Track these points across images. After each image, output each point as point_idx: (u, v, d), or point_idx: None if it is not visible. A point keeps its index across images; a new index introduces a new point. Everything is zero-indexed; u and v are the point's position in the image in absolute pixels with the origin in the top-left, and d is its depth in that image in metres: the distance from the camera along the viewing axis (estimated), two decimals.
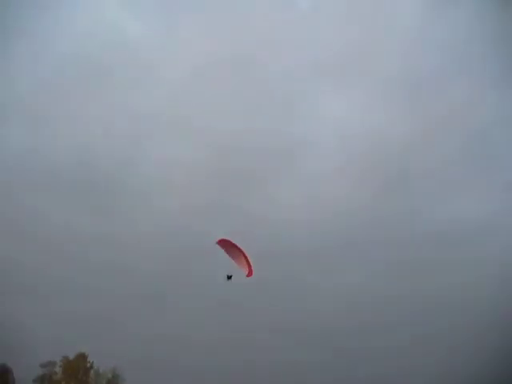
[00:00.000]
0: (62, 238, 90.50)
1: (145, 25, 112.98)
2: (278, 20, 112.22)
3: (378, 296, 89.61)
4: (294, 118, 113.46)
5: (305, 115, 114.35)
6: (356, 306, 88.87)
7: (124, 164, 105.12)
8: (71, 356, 74.81)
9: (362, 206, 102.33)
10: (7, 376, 69.02)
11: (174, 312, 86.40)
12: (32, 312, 77.66)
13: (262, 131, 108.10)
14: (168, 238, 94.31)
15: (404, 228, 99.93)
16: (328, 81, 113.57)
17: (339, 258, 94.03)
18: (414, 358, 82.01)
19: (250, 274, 47.52)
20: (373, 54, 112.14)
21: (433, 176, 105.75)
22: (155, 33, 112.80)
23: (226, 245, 47.57)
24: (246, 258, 47.08)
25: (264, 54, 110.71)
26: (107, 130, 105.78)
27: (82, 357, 75.30)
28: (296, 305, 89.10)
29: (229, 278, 48.45)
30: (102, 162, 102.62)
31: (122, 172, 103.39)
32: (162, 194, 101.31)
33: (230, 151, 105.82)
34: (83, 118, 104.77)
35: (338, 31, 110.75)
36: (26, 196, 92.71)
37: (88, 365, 75.43)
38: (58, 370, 73.90)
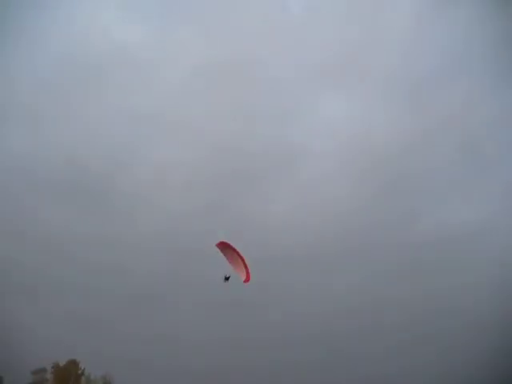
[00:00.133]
0: (61, 239, 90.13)
1: (143, 27, 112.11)
2: (276, 22, 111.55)
3: (377, 298, 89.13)
4: (293, 119, 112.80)
5: (304, 117, 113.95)
6: (355, 307, 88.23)
7: (122, 165, 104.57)
8: (62, 362, 73.57)
9: (361, 207, 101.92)
10: None
11: (172, 313, 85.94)
12: (27, 313, 77.45)
13: (261, 133, 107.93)
14: (166, 239, 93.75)
15: (403, 229, 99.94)
16: (327, 82, 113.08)
17: (339, 259, 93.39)
18: (413, 358, 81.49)
19: (247, 280, 46.64)
20: (372, 55, 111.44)
21: (432, 177, 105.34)
22: (153, 35, 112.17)
23: (226, 248, 46.72)
24: (244, 263, 46.31)
25: (263, 56, 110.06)
26: (105, 131, 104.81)
27: (73, 363, 74.10)
28: (295, 306, 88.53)
29: (226, 279, 47.84)
30: (100, 163, 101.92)
31: (120, 173, 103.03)
32: (160, 195, 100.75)
33: (228, 153, 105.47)
34: (81, 119, 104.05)
35: (337, 33, 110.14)
36: (25, 197, 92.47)
37: (79, 371, 74.13)
38: (48, 376, 72.78)
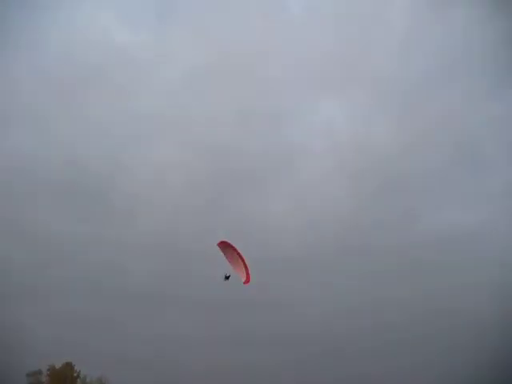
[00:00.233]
0: (61, 239, 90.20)
1: (143, 28, 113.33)
2: (275, 23, 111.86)
3: (376, 298, 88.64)
4: (292, 120, 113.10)
5: (303, 117, 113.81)
6: (354, 307, 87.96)
7: (122, 165, 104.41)
8: (58, 365, 73.07)
9: (361, 207, 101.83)
10: None
11: (171, 312, 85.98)
12: (25, 313, 77.48)
13: (260, 134, 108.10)
14: (166, 239, 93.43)
15: (403, 229, 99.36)
16: (326, 83, 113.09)
17: (338, 259, 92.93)
18: (413, 358, 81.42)
19: (247, 281, 46.08)
20: (370, 56, 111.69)
21: (432, 178, 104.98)
22: (153, 36, 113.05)
23: (227, 247, 46.20)
24: (244, 264, 45.81)
25: (262, 57, 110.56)
26: (104, 131, 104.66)
27: (69, 366, 73.53)
28: (294, 306, 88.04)
29: (226, 278, 47.35)
30: (100, 163, 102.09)
31: (120, 173, 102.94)
32: (160, 195, 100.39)
33: (227, 154, 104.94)
34: (81, 120, 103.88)
35: (336, 34, 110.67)
36: (25, 197, 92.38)
37: (75, 374, 73.67)
38: (44, 379, 72.14)
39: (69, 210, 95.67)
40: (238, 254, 45.76)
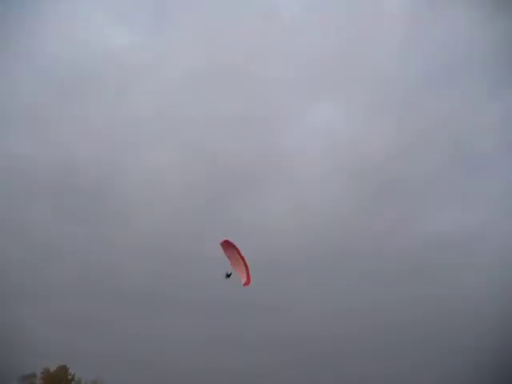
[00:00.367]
0: (58, 240, 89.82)
1: (138, 32, 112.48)
2: (266, 30, 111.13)
3: (374, 300, 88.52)
4: (287, 124, 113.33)
5: (298, 122, 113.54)
6: (350, 310, 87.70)
7: (120, 168, 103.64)
8: (52, 368, 71.91)
9: (358, 211, 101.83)
10: None
11: (169, 314, 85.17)
12: (23, 314, 77.13)
13: (256, 138, 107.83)
14: (163, 241, 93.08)
15: (397, 233, 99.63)
16: (316, 90, 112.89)
17: (334, 262, 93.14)
18: (411, 360, 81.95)
19: (247, 283, 45.43)
20: (366, 60, 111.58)
21: (430, 181, 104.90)
22: (149, 39, 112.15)
23: (229, 247, 45.50)
24: (245, 265, 45.20)
25: (258, 63, 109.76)
26: (100, 134, 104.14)
27: (63, 369, 72.41)
28: (291, 308, 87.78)
29: (228, 276, 46.42)
30: (97, 166, 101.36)
31: (118, 176, 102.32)
32: (158, 198, 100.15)
33: (223, 157, 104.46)
34: (77, 123, 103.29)
35: (326, 42, 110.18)
36: (25, 198, 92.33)
37: (69, 377, 72.49)
38: (38, 382, 70.94)
39: (68, 211, 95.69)
40: (240, 254, 45.38)
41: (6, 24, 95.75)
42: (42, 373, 71.57)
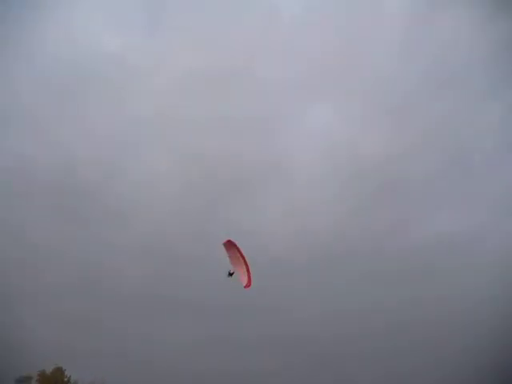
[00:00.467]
0: (56, 241, 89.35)
1: (133, 35, 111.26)
2: (262, 33, 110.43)
3: (368, 303, 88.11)
4: (281, 128, 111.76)
5: (292, 125, 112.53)
6: (344, 312, 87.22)
7: (116, 170, 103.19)
8: (49, 370, 70.82)
9: (352, 214, 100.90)
10: None
11: (167, 315, 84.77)
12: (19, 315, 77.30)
13: (250, 141, 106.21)
14: (158, 244, 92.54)
15: (391, 237, 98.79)
16: (316, 91, 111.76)
17: (329, 265, 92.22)
18: (408, 363, 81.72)
19: (248, 285, 45.26)
20: (360, 65, 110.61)
21: (423, 185, 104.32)
22: (144, 43, 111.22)
23: (232, 248, 45.36)
24: (247, 267, 44.96)
25: (251, 67, 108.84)
26: (98, 135, 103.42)
27: (59, 371, 71.50)
28: (285, 310, 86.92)
29: (230, 274, 46.25)
30: (94, 168, 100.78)
31: (115, 178, 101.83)
32: (153, 200, 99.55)
33: (217, 160, 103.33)
34: (75, 124, 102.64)
35: (323, 44, 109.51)
36: (25, 200, 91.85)
37: (65, 379, 71.57)
38: None
39: (67, 212, 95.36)
40: (242, 255, 45.24)
41: (6, 25, 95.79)
42: (38, 375, 70.58)
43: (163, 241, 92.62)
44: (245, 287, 45.43)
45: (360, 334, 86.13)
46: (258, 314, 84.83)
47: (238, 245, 45.07)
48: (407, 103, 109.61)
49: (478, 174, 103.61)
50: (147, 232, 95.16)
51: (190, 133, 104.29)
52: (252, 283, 45.35)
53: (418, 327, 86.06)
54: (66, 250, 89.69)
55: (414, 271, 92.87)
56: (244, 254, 45.12)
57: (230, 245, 45.23)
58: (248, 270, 45.17)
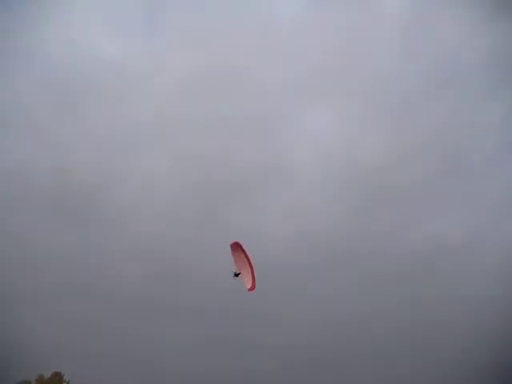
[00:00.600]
0: (57, 244, 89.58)
1: (131, 40, 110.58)
2: (263, 36, 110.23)
3: (364, 307, 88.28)
4: (279, 132, 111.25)
5: (289, 130, 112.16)
6: (340, 318, 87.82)
7: (113, 174, 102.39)
8: (47, 375, 70.69)
9: (347, 220, 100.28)
10: None
11: (166, 318, 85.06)
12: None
13: (247, 146, 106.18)
14: (157, 247, 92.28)
15: (391, 239, 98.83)
16: (313, 94, 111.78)
17: (326, 268, 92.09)
18: (403, 369, 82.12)
19: (252, 288, 45.30)
20: (359, 68, 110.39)
21: (420, 189, 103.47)
22: (142, 48, 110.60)
23: (238, 250, 45.21)
24: (252, 270, 44.86)
25: (250, 69, 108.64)
26: (95, 141, 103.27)
27: (58, 375, 71.31)
28: (283, 315, 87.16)
29: (236, 275, 45.97)
30: (90, 173, 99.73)
31: (112, 183, 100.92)
32: (152, 204, 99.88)
33: (214, 164, 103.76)
34: (60, 140, 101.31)
35: (323, 47, 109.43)
36: (23, 203, 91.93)
37: (64, 383, 71.31)
38: None
39: (67, 215, 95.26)
40: (247, 258, 45.00)
41: (4, 30, 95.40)
42: (36, 380, 70.30)
43: (163, 244, 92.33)
44: (249, 290, 45.24)
45: (361, 337, 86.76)
46: (258, 316, 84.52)
47: (245, 247, 44.62)
48: (407, 104, 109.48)
49: (478, 175, 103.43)
50: (146, 233, 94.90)
51: (189, 134, 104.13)
52: (256, 287, 44.90)
53: (418, 328, 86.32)
54: (66, 251, 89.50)
55: (415, 272, 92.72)
56: (250, 257, 44.88)
57: (236, 247, 44.93)
58: (253, 273, 44.92)
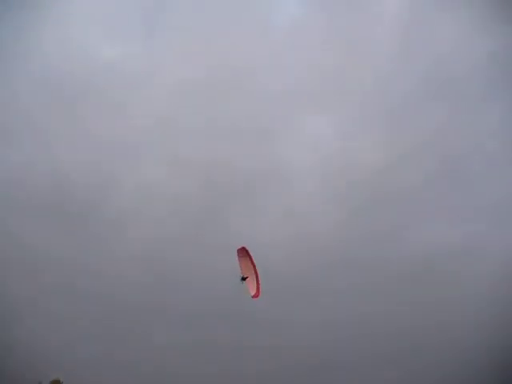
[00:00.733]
0: (56, 247, 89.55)
1: (129, 43, 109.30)
2: (262, 40, 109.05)
3: (363, 311, 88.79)
4: (278, 137, 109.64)
5: (288, 134, 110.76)
6: (340, 319, 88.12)
7: (112, 179, 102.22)
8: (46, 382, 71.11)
9: (346, 224, 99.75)
10: None
11: (165, 321, 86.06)
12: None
13: (247, 150, 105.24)
14: (157, 251, 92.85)
15: (388, 244, 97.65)
16: (310, 101, 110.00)
17: (326, 273, 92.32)
18: (400, 371, 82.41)
19: (256, 295, 45.92)
20: (357, 73, 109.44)
21: (418, 194, 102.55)
22: (141, 51, 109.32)
23: (244, 256, 45.88)
24: (257, 278, 45.38)
25: (249, 75, 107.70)
26: (89, 144, 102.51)
27: (57, 383, 71.85)
28: (282, 318, 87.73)
29: (243, 279, 46.44)
30: (90, 176, 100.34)
31: (114, 185, 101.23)
32: (152, 210, 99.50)
33: (214, 170, 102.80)
34: (59, 142, 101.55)
35: (323, 52, 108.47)
36: (24, 207, 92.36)
37: None
38: None
39: (66, 220, 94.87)
40: (253, 264, 45.32)
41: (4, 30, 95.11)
42: None
43: (164, 248, 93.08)
44: (253, 297, 45.76)
45: (359, 342, 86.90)
46: (258, 318, 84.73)
47: (251, 253, 45.50)
48: (407, 104, 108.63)
49: (478, 175, 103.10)
50: (146, 235, 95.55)
51: (189, 137, 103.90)
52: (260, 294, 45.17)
53: (418, 330, 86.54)
54: (65, 254, 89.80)
55: (415, 274, 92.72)
56: (255, 264, 45.64)
57: (242, 253, 45.56)
58: (258, 280, 45.44)
